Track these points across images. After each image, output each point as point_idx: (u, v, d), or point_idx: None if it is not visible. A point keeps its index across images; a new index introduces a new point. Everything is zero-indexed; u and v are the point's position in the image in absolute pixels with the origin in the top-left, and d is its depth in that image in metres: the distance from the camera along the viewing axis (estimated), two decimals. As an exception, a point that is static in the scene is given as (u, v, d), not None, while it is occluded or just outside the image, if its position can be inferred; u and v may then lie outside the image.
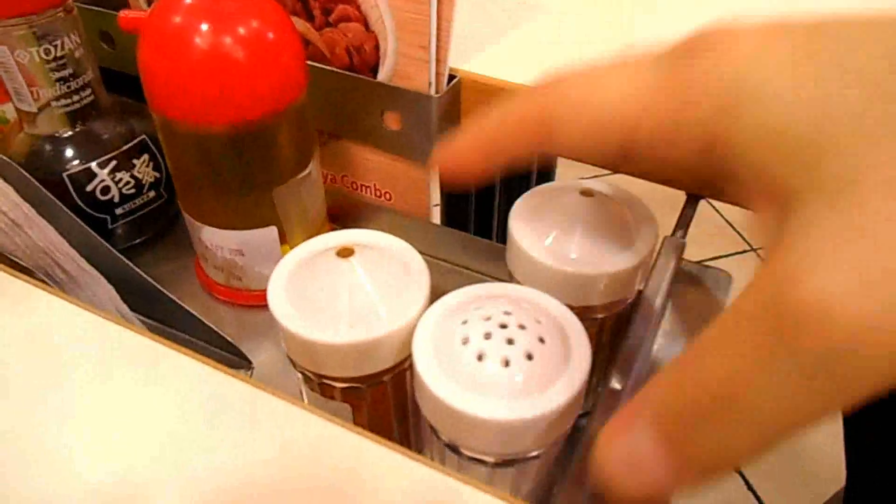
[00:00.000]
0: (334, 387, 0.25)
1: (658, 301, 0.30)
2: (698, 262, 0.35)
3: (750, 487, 0.92)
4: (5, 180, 0.28)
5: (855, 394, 0.12)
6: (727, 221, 1.31)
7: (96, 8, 0.41)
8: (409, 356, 0.25)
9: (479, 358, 0.20)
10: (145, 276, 0.33)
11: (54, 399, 0.22)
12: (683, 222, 0.35)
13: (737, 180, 0.16)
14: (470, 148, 0.20)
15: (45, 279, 0.29)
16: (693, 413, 0.13)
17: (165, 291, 0.32)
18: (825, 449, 0.96)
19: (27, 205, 0.26)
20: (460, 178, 0.21)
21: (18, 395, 0.22)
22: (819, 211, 0.13)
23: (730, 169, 0.16)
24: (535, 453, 0.22)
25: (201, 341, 0.34)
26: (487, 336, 0.21)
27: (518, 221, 0.26)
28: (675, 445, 0.14)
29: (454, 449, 0.22)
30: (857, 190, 0.13)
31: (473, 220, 0.50)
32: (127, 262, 0.32)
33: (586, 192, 0.26)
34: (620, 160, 0.18)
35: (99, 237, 0.32)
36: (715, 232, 1.28)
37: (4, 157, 0.31)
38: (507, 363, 0.20)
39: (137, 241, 0.40)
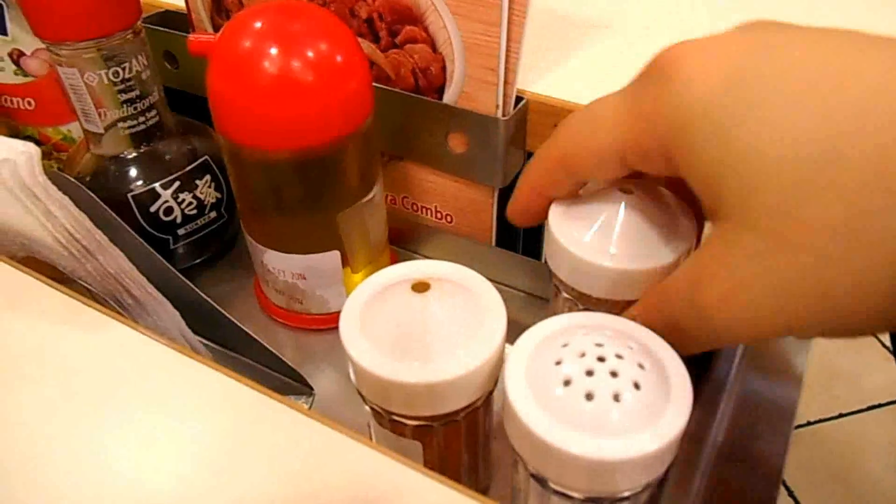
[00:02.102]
0: (406, 424, 0.24)
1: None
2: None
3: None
4: (73, 201, 0.28)
5: (700, 344, 0.21)
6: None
7: (161, 28, 0.41)
8: (485, 394, 0.24)
9: (589, 397, 0.20)
10: (208, 299, 0.32)
11: (117, 425, 0.21)
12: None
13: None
14: (525, 199, 0.27)
15: (114, 304, 0.29)
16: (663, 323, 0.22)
17: (229, 316, 0.32)
18: (878, 477, 0.92)
19: (99, 232, 0.26)
20: (528, 222, 0.27)
21: (83, 419, 0.22)
22: (734, 231, 0.18)
23: (685, 177, 0.20)
24: (626, 494, 0.21)
25: (263, 366, 0.33)
26: (590, 373, 0.20)
27: (557, 218, 0.26)
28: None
29: (541, 481, 0.21)
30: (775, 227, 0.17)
31: (522, 239, 0.49)
32: (190, 285, 0.32)
33: (625, 190, 0.26)
34: (633, 173, 0.23)
35: (163, 260, 0.32)
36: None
37: (72, 178, 0.31)
38: (616, 397, 0.19)
39: (197, 261, 0.40)
